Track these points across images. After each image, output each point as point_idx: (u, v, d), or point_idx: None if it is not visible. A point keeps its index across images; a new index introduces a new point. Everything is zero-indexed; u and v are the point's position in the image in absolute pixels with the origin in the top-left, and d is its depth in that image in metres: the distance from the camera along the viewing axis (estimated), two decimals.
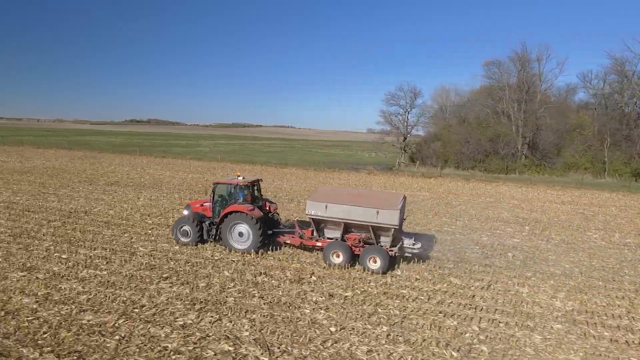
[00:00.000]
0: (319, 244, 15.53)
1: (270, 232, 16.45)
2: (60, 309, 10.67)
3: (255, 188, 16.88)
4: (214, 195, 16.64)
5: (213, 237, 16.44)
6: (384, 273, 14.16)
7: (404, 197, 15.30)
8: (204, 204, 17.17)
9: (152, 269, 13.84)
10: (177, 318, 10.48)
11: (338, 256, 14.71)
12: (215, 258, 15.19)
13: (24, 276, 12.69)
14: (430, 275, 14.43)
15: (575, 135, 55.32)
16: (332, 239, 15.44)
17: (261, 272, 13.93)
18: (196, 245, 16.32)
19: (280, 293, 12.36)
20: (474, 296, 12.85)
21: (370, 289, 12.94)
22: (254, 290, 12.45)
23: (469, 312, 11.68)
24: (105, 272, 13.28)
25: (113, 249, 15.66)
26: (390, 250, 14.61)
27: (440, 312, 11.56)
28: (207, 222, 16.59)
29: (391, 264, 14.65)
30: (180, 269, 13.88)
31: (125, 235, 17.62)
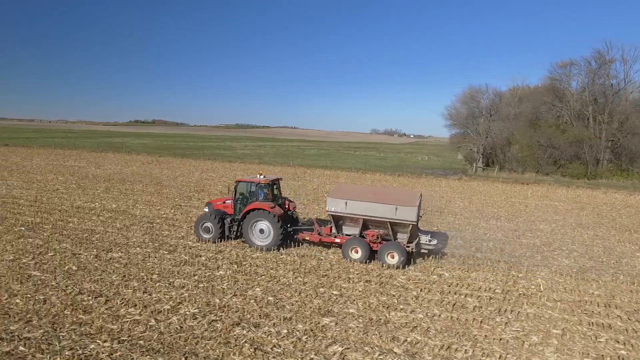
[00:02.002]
0: (337, 240, 15.75)
1: (290, 230, 16.58)
2: None
3: (275, 187, 17.09)
4: (235, 192, 16.85)
5: (234, 233, 16.60)
6: (403, 268, 14.37)
7: (421, 195, 15.77)
8: (226, 202, 17.33)
9: (455, 307, 11.48)
10: None
11: (357, 252, 14.97)
12: (484, 289, 12.95)
13: (337, 323, 10.28)
14: None
15: None
16: (350, 235, 15.65)
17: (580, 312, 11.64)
18: (217, 241, 16.37)
19: (622, 337, 10.13)
20: None
21: None
22: (598, 331, 10.16)
23: None
24: (417, 316, 10.89)
25: (373, 281, 13.26)
26: (407, 246, 14.80)
27: None
28: (228, 219, 16.67)
29: (408, 259, 14.84)
30: (477, 304, 11.56)
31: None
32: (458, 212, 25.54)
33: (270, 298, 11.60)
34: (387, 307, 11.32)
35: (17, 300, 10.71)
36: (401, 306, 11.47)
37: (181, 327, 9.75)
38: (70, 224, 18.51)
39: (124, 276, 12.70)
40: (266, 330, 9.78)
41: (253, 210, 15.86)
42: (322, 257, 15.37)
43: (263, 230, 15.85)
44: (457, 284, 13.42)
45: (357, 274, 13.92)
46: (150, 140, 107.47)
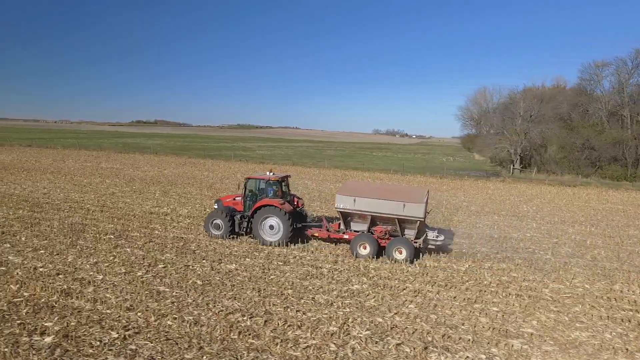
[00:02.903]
0: (346, 236, 15.98)
1: (299, 226, 16.80)
2: None
3: (284, 184, 17.36)
4: (245, 190, 17.08)
5: (244, 230, 16.83)
6: (411, 263, 14.54)
7: (428, 192, 15.93)
8: (236, 199, 17.58)
9: (636, 325, 10.56)
10: None
11: (365, 248, 15.10)
12: None
13: (529, 346, 9.31)
14: None
15: None
16: (358, 231, 15.82)
17: None
18: (227, 238, 16.55)
19: None
20: None
21: None
22: None
23: None
24: (604, 336, 9.93)
25: (522, 295, 12.30)
26: (414, 242, 15.00)
27: None
28: (238, 216, 16.89)
29: (415, 255, 15.02)
30: None
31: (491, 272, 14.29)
32: (535, 217, 24.63)
33: (432, 316, 10.63)
34: (566, 326, 10.37)
35: (169, 322, 9.69)
36: (577, 324, 10.54)
37: (369, 352, 8.77)
38: (156, 232, 17.47)
39: (259, 291, 11.70)
40: (462, 355, 8.82)
41: (263, 206, 16.12)
42: (446, 267, 14.42)
43: (273, 227, 16.15)
44: (609, 297, 12.50)
45: (496, 285, 12.98)
46: (162, 140, 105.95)
